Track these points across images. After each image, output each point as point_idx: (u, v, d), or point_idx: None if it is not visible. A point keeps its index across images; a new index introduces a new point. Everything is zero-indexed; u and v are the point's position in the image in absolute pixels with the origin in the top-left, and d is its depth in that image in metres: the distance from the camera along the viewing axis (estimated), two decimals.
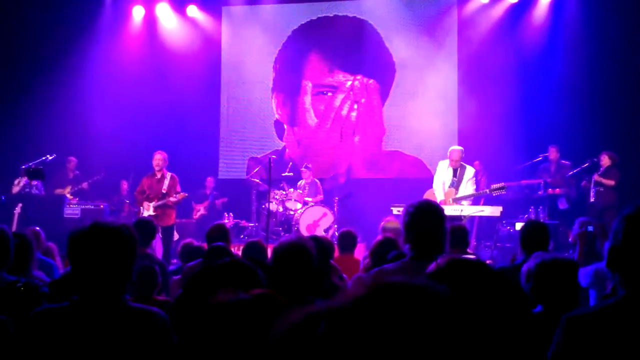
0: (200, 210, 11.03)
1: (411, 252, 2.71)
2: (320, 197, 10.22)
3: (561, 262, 2.59)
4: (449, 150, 8.19)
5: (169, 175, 8.63)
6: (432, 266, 1.73)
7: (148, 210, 8.47)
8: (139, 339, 1.96)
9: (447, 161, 8.12)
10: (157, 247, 7.95)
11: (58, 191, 10.05)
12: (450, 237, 4.48)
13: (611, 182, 8.85)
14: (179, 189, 8.64)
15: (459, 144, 8.59)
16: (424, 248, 2.63)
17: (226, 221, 10.05)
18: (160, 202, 8.49)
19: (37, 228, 5.13)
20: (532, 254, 2.75)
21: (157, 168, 8.62)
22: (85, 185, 10.32)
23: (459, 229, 4.75)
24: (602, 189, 8.89)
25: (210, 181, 11.34)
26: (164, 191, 8.53)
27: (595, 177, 8.96)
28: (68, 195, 10.02)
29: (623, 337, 1.62)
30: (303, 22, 11.90)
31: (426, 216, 2.69)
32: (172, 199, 8.45)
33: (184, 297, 2.54)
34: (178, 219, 9.49)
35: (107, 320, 1.96)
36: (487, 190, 7.97)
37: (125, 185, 11.13)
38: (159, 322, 2.01)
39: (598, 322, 1.70)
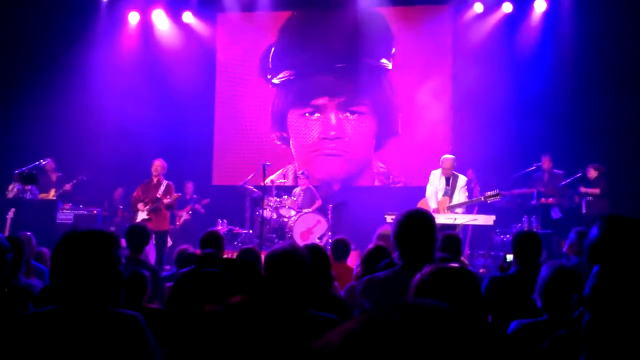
0: (182, 215, 10.97)
1: (401, 261, 2.71)
2: (318, 203, 10.21)
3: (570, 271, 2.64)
4: (441, 158, 8.22)
5: (165, 182, 8.82)
6: (417, 276, 1.74)
7: (142, 211, 8.63)
8: (117, 342, 1.98)
9: (439, 170, 8.14)
10: (151, 253, 7.93)
11: (42, 195, 9.79)
12: (444, 246, 4.51)
13: (596, 191, 8.93)
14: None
15: (452, 153, 8.62)
16: (414, 257, 2.63)
17: (220, 227, 10.04)
18: (153, 206, 8.64)
19: (28, 233, 5.08)
20: (546, 264, 2.77)
21: (154, 173, 8.83)
22: (68, 187, 10.00)
23: (452, 238, 4.75)
24: (591, 199, 8.96)
25: (189, 186, 11.21)
26: (158, 196, 8.70)
27: (581, 189, 9.08)
28: (52, 199, 9.86)
29: None
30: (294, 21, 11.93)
31: (416, 225, 2.69)
32: (165, 200, 8.63)
33: (168, 306, 2.55)
34: None
35: (86, 325, 1.98)
36: (482, 198, 7.99)
37: (119, 191, 11.09)
38: (135, 325, 2.03)
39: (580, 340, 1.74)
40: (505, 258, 4.25)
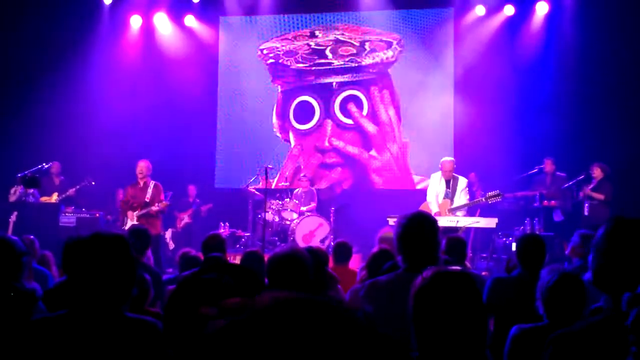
0: (184, 218, 11.00)
1: (404, 264, 2.69)
2: (313, 204, 10.22)
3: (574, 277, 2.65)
4: (441, 161, 8.22)
5: (152, 183, 8.55)
6: (418, 279, 1.73)
7: (132, 219, 8.40)
8: (136, 349, 1.95)
9: (439, 173, 8.13)
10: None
11: (44, 199, 9.76)
12: (448, 249, 4.50)
13: (601, 197, 8.87)
14: (162, 197, 8.54)
15: (454, 156, 8.61)
16: (417, 260, 2.62)
17: (222, 231, 10.04)
18: (143, 211, 8.41)
19: (32, 237, 5.09)
20: (547, 268, 2.78)
21: (140, 176, 8.55)
22: (72, 192, 9.98)
23: (457, 241, 4.73)
24: (595, 202, 8.92)
25: (192, 189, 11.30)
26: (147, 200, 8.45)
27: (587, 190, 8.99)
28: (55, 202, 9.85)
29: (606, 356, 1.64)
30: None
31: (418, 228, 2.66)
32: (154, 207, 8.37)
33: (167, 311, 2.55)
34: (164, 229, 9.44)
35: (103, 330, 1.93)
36: (483, 199, 7.98)
37: (120, 193, 11.10)
38: (155, 333, 2.00)
39: (582, 340, 1.72)
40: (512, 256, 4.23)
